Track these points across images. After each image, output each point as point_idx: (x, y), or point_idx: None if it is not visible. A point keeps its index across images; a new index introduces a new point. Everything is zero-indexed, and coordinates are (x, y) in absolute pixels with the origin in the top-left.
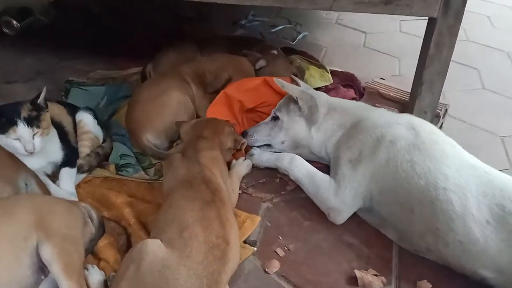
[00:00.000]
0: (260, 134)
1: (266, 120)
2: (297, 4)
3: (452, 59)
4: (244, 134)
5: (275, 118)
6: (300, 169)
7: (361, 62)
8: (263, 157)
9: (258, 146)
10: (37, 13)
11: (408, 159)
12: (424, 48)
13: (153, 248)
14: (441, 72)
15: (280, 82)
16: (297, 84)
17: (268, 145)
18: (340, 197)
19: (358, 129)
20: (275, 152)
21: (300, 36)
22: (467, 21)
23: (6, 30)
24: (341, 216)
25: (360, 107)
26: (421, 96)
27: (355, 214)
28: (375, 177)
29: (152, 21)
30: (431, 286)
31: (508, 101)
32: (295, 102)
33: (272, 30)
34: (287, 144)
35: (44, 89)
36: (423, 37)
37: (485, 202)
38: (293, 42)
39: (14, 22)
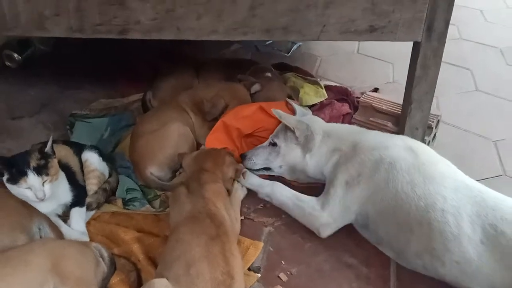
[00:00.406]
0: (259, 158)
1: (264, 144)
2: (285, 36)
3: (445, 60)
4: (243, 157)
5: (273, 144)
6: (283, 192)
7: (355, 70)
8: (247, 179)
9: (257, 170)
10: (36, 42)
11: (408, 181)
12: (411, 70)
13: None
14: (428, 92)
15: (278, 113)
16: (292, 108)
17: (267, 169)
18: (328, 211)
19: (356, 151)
20: (273, 175)
21: (295, 47)
22: (459, 17)
23: (8, 64)
24: (329, 229)
25: (354, 131)
26: (411, 114)
27: (353, 233)
28: (373, 198)
29: (149, 41)
30: None
31: (501, 101)
32: (292, 130)
33: (267, 43)
34: (284, 168)
35: (51, 138)
36: None
37: (479, 223)
38: (287, 54)
39: (16, 55)
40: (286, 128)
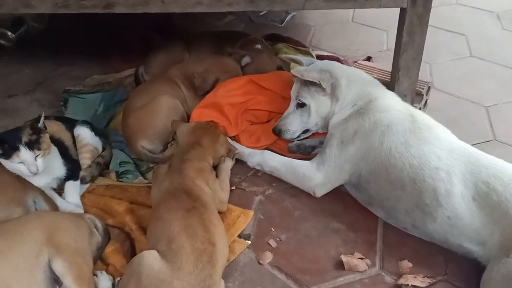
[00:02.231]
0: (294, 125)
1: (290, 109)
2: (270, 7)
3: (440, 26)
4: (278, 131)
5: (301, 105)
6: (275, 159)
7: (349, 39)
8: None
9: (298, 137)
10: (29, 20)
11: (403, 142)
12: (398, 36)
13: (149, 261)
14: (416, 58)
15: (299, 72)
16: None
17: (305, 131)
18: (323, 171)
19: (366, 110)
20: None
21: (289, 17)
22: None
23: (3, 42)
24: (324, 188)
25: (374, 84)
26: (399, 81)
27: (340, 199)
28: (367, 157)
29: (142, 15)
30: (411, 265)
31: (494, 66)
32: (314, 83)
33: (261, 14)
34: (320, 123)
35: (43, 114)
36: None
37: (472, 180)
38: (281, 24)
39: (9, 33)
40: (308, 83)
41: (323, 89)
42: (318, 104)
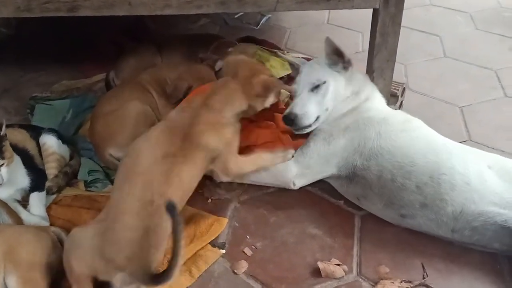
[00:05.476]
0: (310, 106)
1: (302, 95)
2: (241, 8)
3: (414, 27)
4: (294, 116)
5: (317, 86)
6: None
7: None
8: None
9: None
10: None
11: (401, 129)
12: (371, 38)
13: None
14: (389, 59)
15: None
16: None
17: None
18: (303, 163)
19: (362, 108)
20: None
21: (264, 19)
22: None
23: None
24: (304, 178)
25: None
26: (374, 83)
27: (317, 204)
28: (361, 149)
29: (112, 19)
30: (388, 270)
31: (468, 67)
32: (331, 63)
33: (235, 16)
34: (329, 111)
35: (4, 122)
36: None
37: (482, 160)
38: (257, 27)
39: None
40: (327, 62)
41: (344, 68)
42: (336, 82)
